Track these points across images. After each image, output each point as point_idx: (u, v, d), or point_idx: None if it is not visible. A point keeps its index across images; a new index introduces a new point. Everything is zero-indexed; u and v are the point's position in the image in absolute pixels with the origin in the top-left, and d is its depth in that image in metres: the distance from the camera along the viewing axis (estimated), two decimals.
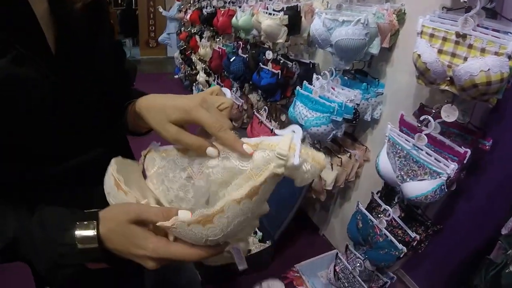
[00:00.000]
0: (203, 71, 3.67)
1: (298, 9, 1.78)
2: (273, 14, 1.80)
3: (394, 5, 1.45)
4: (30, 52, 0.49)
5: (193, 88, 4.39)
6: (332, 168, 1.75)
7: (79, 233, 0.47)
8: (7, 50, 0.47)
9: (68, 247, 0.47)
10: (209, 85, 3.42)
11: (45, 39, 0.53)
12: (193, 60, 4.21)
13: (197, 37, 3.81)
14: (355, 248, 1.68)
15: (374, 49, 1.39)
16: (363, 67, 1.62)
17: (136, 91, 0.74)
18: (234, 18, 2.43)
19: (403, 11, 1.45)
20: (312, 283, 1.97)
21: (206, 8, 3.29)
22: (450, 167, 1.09)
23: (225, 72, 2.83)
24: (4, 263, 0.53)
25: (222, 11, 2.77)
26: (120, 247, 0.48)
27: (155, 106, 0.55)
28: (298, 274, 2.03)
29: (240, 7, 2.52)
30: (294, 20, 1.77)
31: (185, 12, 4.40)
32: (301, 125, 1.60)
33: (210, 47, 3.37)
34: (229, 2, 2.94)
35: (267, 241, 2.05)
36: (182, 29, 4.78)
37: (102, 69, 0.64)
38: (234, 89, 2.78)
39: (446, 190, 1.14)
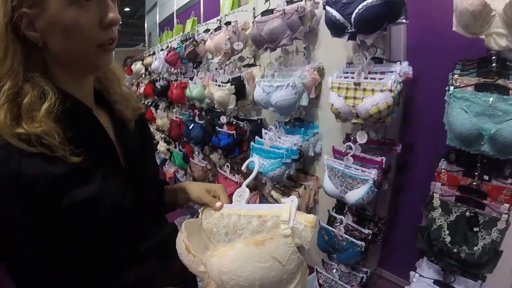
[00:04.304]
0: (163, 140, 3.94)
1: (242, 78, 2.18)
2: (222, 86, 2.18)
3: (314, 64, 1.91)
4: (111, 170, 0.72)
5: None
6: None
7: None
8: (98, 172, 0.69)
9: None
10: (171, 153, 3.68)
11: (119, 157, 0.77)
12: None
13: (152, 109, 4.11)
14: (329, 259, 1.96)
15: (304, 101, 1.82)
16: (299, 115, 2.04)
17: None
18: (187, 90, 2.78)
19: (321, 68, 1.90)
20: None
21: (159, 81, 3.60)
22: (372, 173, 1.50)
23: (185, 139, 3.12)
24: None
25: (175, 84, 3.11)
26: None
27: (198, 185, 0.91)
28: None
29: (191, 79, 2.87)
30: (239, 88, 2.17)
31: (137, 86, 4.69)
32: (260, 172, 1.93)
33: (166, 117, 3.65)
34: (180, 74, 3.29)
35: None
36: None
37: (152, 169, 0.93)
38: (196, 152, 3.07)
39: (377, 190, 1.53)
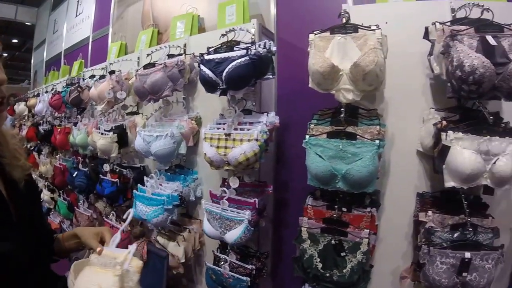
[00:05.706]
0: (46, 188, 3.65)
1: (124, 127, 2.21)
2: (105, 134, 2.17)
3: (192, 114, 2.04)
4: (6, 227, 0.77)
5: None
6: (178, 244, 2.09)
7: None
8: None
9: None
10: (55, 202, 3.42)
11: (12, 214, 0.81)
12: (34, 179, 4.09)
13: (35, 154, 3.81)
14: None
15: (182, 150, 1.92)
16: (180, 162, 2.13)
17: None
18: (71, 136, 2.68)
19: (199, 117, 2.04)
20: None
21: (42, 124, 3.42)
22: (246, 214, 1.63)
23: (70, 187, 2.97)
24: None
25: (59, 129, 2.98)
26: None
27: (88, 230, 1.07)
28: None
29: (75, 124, 2.78)
30: (122, 136, 2.20)
31: (20, 128, 4.34)
32: (144, 219, 1.94)
33: (50, 163, 3.44)
34: (64, 119, 3.15)
35: None
36: None
37: (41, 224, 1.01)
38: (81, 201, 2.92)
39: (253, 228, 1.66)
